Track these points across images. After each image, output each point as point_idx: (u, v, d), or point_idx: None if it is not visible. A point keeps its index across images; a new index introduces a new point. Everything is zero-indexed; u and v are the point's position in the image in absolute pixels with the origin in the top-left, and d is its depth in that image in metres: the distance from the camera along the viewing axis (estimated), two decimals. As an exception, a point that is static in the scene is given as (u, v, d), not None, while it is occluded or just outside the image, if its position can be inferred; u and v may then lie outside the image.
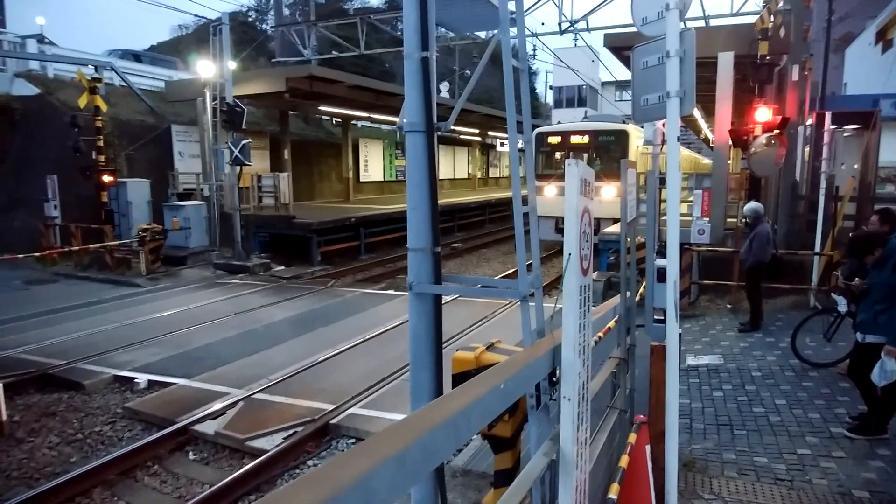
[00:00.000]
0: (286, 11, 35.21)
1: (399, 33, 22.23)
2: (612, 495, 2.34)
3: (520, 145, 3.26)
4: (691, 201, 11.04)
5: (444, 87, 33.10)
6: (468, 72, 35.19)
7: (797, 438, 5.09)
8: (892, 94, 11.06)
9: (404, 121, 2.95)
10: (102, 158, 15.63)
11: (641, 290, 6.64)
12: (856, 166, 10.58)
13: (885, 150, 10.20)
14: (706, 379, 6.67)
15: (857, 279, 5.38)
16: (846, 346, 6.15)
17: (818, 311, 7.44)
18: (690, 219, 10.23)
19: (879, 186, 10.49)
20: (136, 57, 25.35)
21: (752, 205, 8.78)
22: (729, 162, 15.40)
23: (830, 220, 9.19)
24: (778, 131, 9.33)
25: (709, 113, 22.16)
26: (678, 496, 3.53)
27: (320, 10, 30.27)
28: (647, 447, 3.17)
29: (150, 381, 7.48)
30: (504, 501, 1.74)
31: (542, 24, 16.82)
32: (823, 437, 5.08)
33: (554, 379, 2.78)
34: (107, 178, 15.59)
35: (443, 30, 3.17)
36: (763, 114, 9.39)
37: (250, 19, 44.69)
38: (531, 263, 3.05)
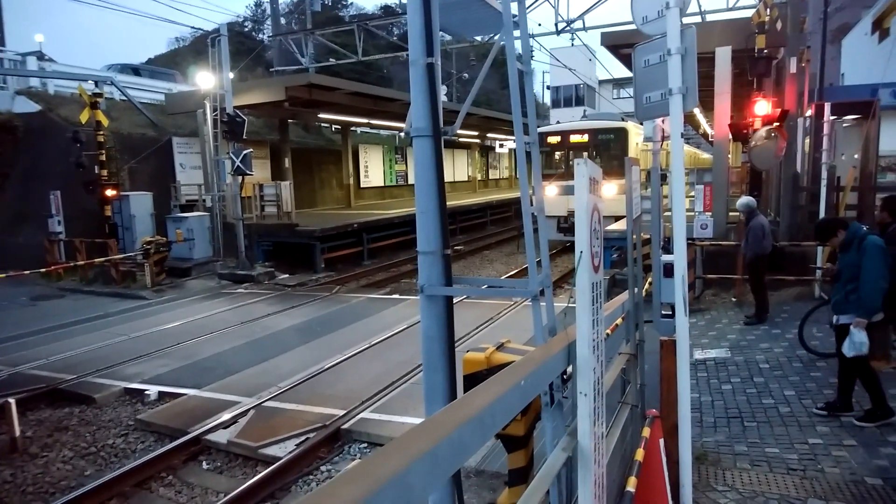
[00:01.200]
0: (283, 21, 35.33)
1: (395, 38, 22.32)
2: (630, 488, 2.37)
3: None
4: (692, 196, 11.08)
5: (442, 90, 33.19)
6: (465, 75, 35.29)
7: (807, 428, 5.11)
8: (890, 83, 11.08)
9: (411, 126, 2.99)
10: (105, 173, 15.69)
11: (647, 286, 6.67)
12: (856, 156, 10.58)
13: (884, 139, 10.20)
14: (714, 372, 6.69)
15: (828, 263, 5.56)
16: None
17: (824, 302, 7.45)
18: (692, 214, 10.27)
19: (880, 175, 10.50)
20: (135, 71, 25.46)
21: (744, 199, 8.85)
22: (729, 156, 15.43)
23: (832, 211, 9.21)
24: (777, 124, 9.36)
25: (707, 108, 22.21)
26: (692, 489, 3.55)
27: (317, 19, 30.37)
28: (661, 441, 3.19)
29: (160, 393, 7.51)
30: (527, 497, 1.77)
31: (539, 24, 16.89)
32: (834, 426, 5.10)
33: (565, 376, 2.81)
34: (110, 192, 15.64)
35: (439, 35, 3.20)
36: (762, 107, 9.43)
37: (247, 29, 44.91)
38: (540, 262, 3.09)
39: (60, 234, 15.93)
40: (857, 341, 4.81)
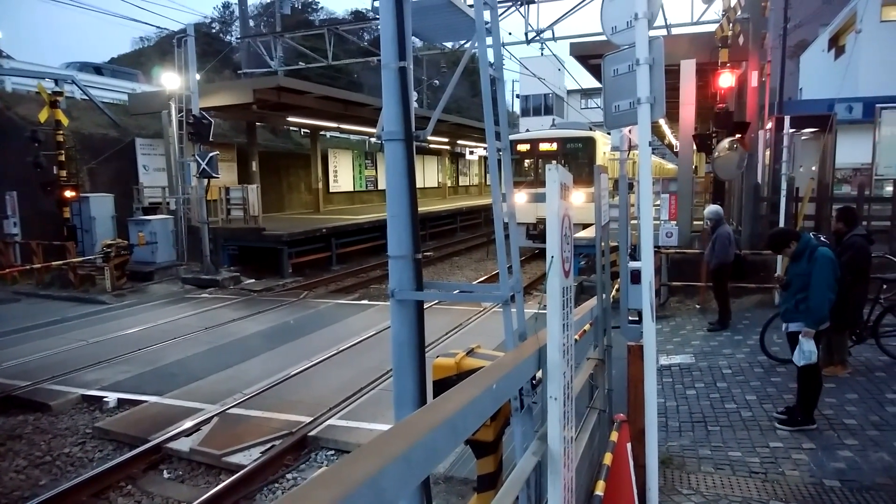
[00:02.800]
0: (251, 23, 34.94)
1: (366, 44, 22.27)
2: (599, 492, 2.39)
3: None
4: (658, 205, 11.29)
5: (413, 96, 33.21)
6: (436, 82, 35.41)
7: (769, 432, 5.23)
8: (846, 98, 11.51)
9: (383, 129, 2.98)
10: (64, 173, 15.25)
11: (613, 292, 6.76)
12: (814, 168, 10.96)
13: (840, 151, 10.60)
14: (679, 378, 6.81)
15: (778, 273, 5.73)
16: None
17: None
18: (658, 222, 10.46)
19: (837, 187, 10.89)
20: (97, 69, 24.81)
21: (712, 208, 9.06)
22: (693, 166, 15.79)
23: (792, 221, 9.50)
24: (740, 136, 9.63)
25: (672, 119, 22.71)
26: (658, 492, 3.60)
27: (286, 22, 30.12)
28: (628, 445, 3.23)
29: (119, 400, 7.30)
30: (498, 500, 1.76)
31: (510, 33, 16.98)
32: (794, 429, 5.23)
33: (534, 381, 2.82)
34: (69, 194, 15.22)
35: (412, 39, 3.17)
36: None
37: (214, 31, 44.24)
38: (511, 267, 3.10)
39: (16, 235, 15.42)
40: (807, 350, 4.93)
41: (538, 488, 2.95)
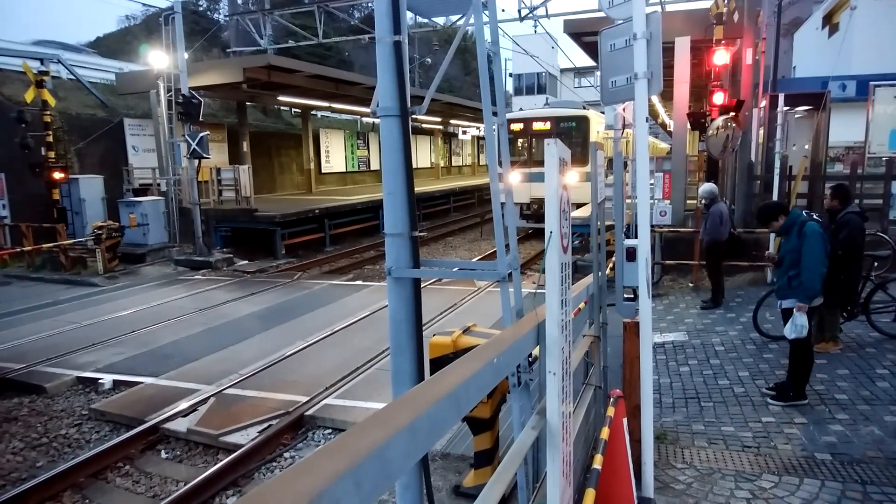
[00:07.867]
0: (239, 0, 34.36)
1: (356, 21, 21.96)
2: (597, 466, 2.41)
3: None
4: (652, 184, 11.30)
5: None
6: (429, 60, 35.06)
7: (761, 407, 5.30)
8: (840, 76, 11.48)
9: (378, 105, 2.94)
10: (52, 155, 15.08)
11: (608, 270, 6.78)
12: (807, 146, 10.96)
13: (834, 130, 10.59)
14: (672, 355, 6.87)
15: (769, 249, 5.75)
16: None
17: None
18: (652, 201, 10.46)
19: (829, 166, 10.90)
20: None
21: (707, 186, 9.07)
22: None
23: (785, 199, 9.52)
24: (733, 114, 9.60)
25: (666, 97, 22.64)
26: (653, 467, 3.65)
27: (275, -1, 29.60)
28: (624, 420, 3.26)
29: (115, 382, 7.29)
30: (499, 474, 1.78)
31: (503, 10, 16.79)
32: (786, 405, 5.30)
33: (530, 359, 2.84)
34: (58, 175, 15.05)
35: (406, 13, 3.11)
36: (719, 97, 9.66)
37: (201, 8, 43.48)
38: (508, 245, 3.09)
39: (5, 218, 15.27)
40: (799, 324, 4.98)
41: (535, 463, 2.98)
